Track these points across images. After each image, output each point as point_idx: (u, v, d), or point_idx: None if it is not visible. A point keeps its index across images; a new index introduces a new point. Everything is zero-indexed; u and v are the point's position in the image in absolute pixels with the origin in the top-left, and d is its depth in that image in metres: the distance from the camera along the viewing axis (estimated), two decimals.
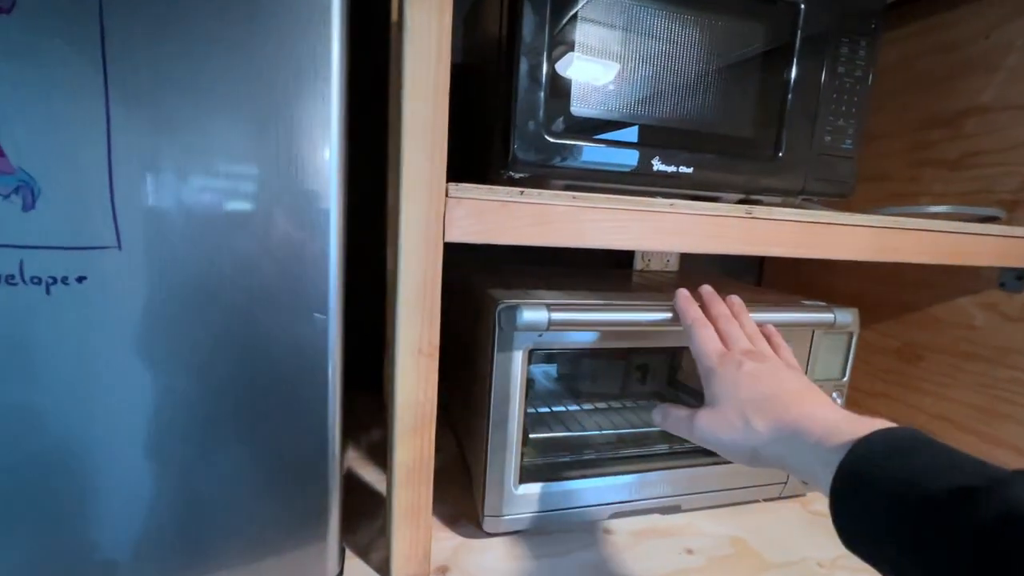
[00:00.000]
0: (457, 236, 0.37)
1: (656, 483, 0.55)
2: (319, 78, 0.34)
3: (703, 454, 0.57)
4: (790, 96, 0.49)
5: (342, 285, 0.37)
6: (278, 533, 0.39)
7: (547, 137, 0.44)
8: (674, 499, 0.56)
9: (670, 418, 0.41)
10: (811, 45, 0.49)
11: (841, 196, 0.54)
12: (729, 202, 0.51)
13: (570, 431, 0.60)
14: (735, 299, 0.46)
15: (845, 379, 0.58)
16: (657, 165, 0.47)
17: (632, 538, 0.52)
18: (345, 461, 0.63)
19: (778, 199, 0.54)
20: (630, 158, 0.46)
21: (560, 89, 0.44)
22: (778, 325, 0.49)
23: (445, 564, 0.47)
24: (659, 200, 0.42)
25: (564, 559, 0.49)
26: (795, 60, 0.49)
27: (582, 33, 0.44)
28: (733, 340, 0.41)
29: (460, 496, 0.56)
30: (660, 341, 0.52)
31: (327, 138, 0.35)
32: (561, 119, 0.44)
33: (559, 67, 0.43)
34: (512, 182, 0.46)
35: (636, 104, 0.46)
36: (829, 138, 0.51)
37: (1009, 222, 0.60)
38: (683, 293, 0.45)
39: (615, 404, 0.68)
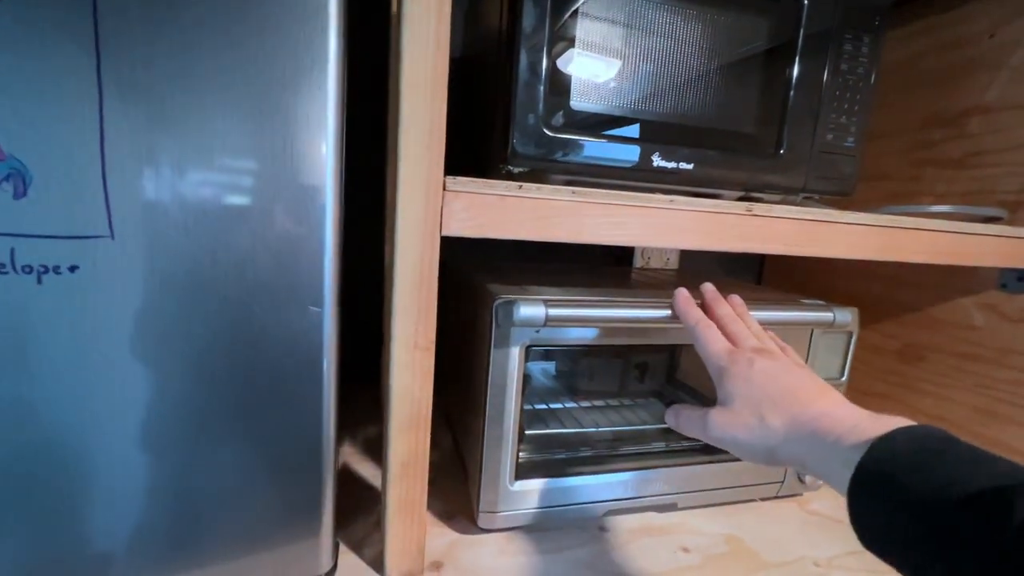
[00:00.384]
0: (455, 230, 0.37)
1: (652, 481, 0.55)
2: (316, 70, 0.33)
3: (700, 452, 0.57)
4: (792, 93, 0.49)
5: (338, 278, 0.37)
6: (271, 527, 0.39)
7: (547, 131, 0.43)
8: (670, 497, 0.56)
9: (682, 419, 0.40)
10: (814, 42, 0.48)
11: (842, 194, 0.53)
12: (730, 199, 0.51)
13: (567, 428, 0.60)
14: (736, 299, 0.45)
15: (844, 379, 0.57)
16: (657, 161, 0.46)
17: (628, 536, 0.52)
18: (341, 455, 0.63)
19: (779, 197, 0.53)
20: (630, 153, 0.46)
21: (560, 83, 0.43)
22: (777, 324, 0.48)
23: (439, 560, 0.46)
24: (658, 196, 0.41)
25: (559, 556, 0.48)
26: (798, 57, 0.48)
27: (583, 27, 0.43)
28: (742, 339, 0.40)
29: (456, 492, 0.55)
30: (659, 338, 0.52)
31: (324, 131, 0.34)
32: (561, 113, 0.44)
33: (559, 61, 0.43)
34: (512, 176, 0.45)
35: (637, 99, 0.46)
36: (831, 136, 0.51)
37: (1011, 222, 0.60)
38: (682, 294, 0.44)
39: (612, 402, 0.68)
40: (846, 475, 0.28)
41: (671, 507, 0.56)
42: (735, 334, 0.40)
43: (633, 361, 0.71)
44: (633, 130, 0.46)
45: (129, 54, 0.30)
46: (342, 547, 0.47)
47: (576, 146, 0.44)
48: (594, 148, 0.45)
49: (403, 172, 0.35)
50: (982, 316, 0.65)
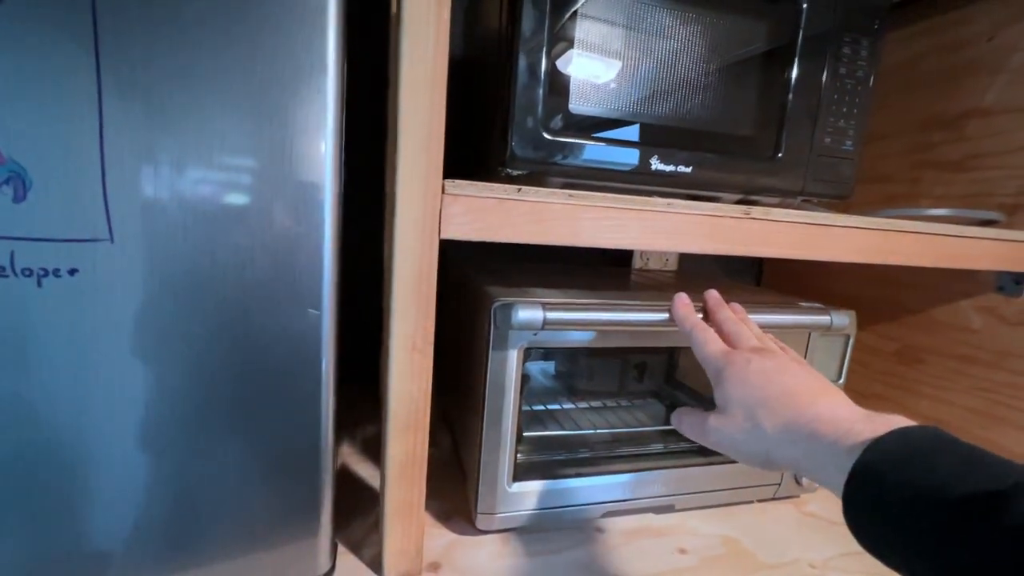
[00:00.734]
0: (453, 233, 0.37)
1: (650, 482, 0.55)
2: (315, 70, 0.33)
3: (697, 454, 0.57)
4: (791, 96, 0.49)
5: (337, 280, 0.37)
6: (269, 527, 0.39)
7: (545, 134, 0.44)
8: (668, 499, 0.56)
9: (685, 423, 0.40)
10: (813, 45, 0.49)
11: (840, 198, 0.53)
12: (728, 202, 0.51)
13: (566, 429, 0.60)
14: (736, 306, 0.45)
15: (841, 381, 0.58)
16: (656, 164, 0.47)
17: (625, 537, 0.52)
18: (340, 456, 0.63)
19: (777, 200, 0.53)
20: (629, 157, 0.46)
21: (559, 86, 0.43)
22: (774, 327, 0.49)
23: (437, 561, 0.47)
24: (656, 199, 0.41)
25: (557, 557, 0.49)
26: (796, 60, 0.48)
27: (582, 30, 0.43)
28: (740, 339, 0.39)
29: (454, 492, 0.56)
30: (657, 341, 0.52)
31: (323, 132, 0.34)
32: (559, 116, 0.44)
33: (558, 64, 0.43)
34: (511, 179, 0.45)
35: (635, 102, 0.46)
36: (829, 139, 0.51)
37: (1009, 226, 0.60)
38: (681, 299, 0.44)
39: (610, 403, 0.68)
40: (841, 479, 0.28)
41: (668, 508, 0.57)
42: (734, 335, 0.40)
43: (632, 361, 0.71)
44: (631, 133, 0.46)
45: (128, 54, 0.30)
46: (341, 548, 0.47)
47: (574, 149, 0.45)
48: (592, 151, 0.45)
49: (402, 175, 0.35)
50: (980, 319, 0.66)
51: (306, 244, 0.35)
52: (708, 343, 0.39)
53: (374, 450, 0.65)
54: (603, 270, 0.80)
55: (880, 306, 0.78)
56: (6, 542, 0.34)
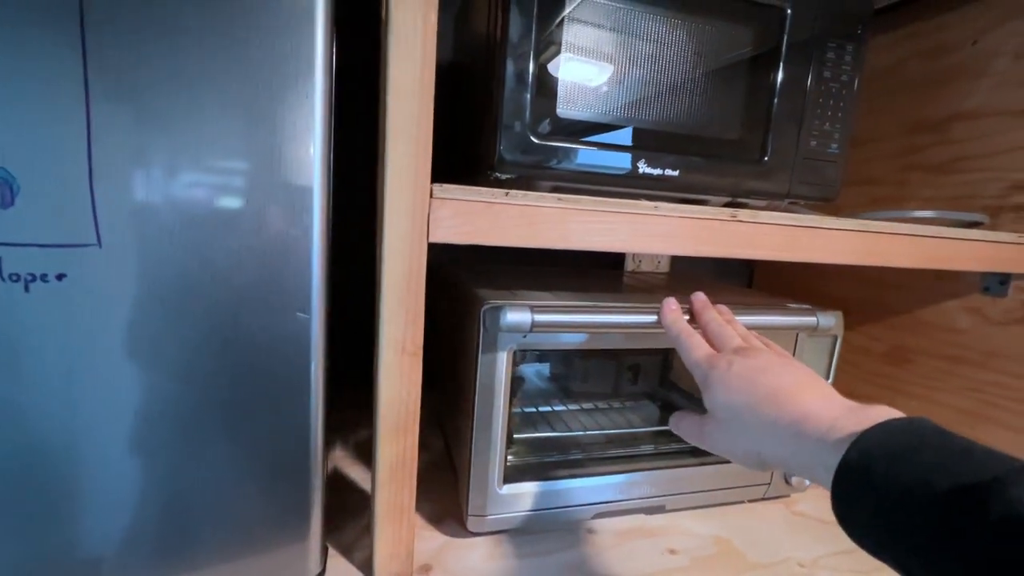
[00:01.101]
0: (442, 237, 0.37)
1: (641, 483, 0.55)
2: (303, 75, 0.34)
3: (688, 455, 0.58)
4: (776, 100, 0.50)
5: (326, 284, 0.37)
6: (259, 531, 0.39)
7: (533, 139, 0.44)
8: (659, 499, 0.56)
9: (683, 427, 0.40)
10: (798, 50, 0.49)
11: (825, 200, 0.54)
12: (716, 205, 0.52)
13: (559, 431, 0.60)
14: (723, 308, 0.46)
15: (829, 381, 0.58)
16: (643, 168, 0.47)
17: (616, 538, 0.52)
18: (331, 459, 0.63)
19: (764, 202, 0.54)
20: (617, 160, 0.47)
21: (547, 91, 0.44)
22: (762, 328, 0.49)
23: (428, 563, 0.47)
24: (644, 203, 0.42)
25: (548, 559, 0.49)
26: (782, 64, 0.49)
27: (569, 35, 0.44)
28: (725, 341, 0.39)
29: (446, 495, 0.56)
30: (648, 343, 0.52)
31: (312, 135, 0.35)
32: (547, 121, 0.44)
33: (545, 69, 0.43)
34: (499, 183, 0.46)
35: (622, 107, 0.47)
36: (815, 142, 0.51)
37: (993, 227, 0.61)
38: (669, 305, 0.44)
39: (602, 404, 0.69)
40: (829, 476, 0.28)
41: (659, 509, 0.57)
42: (718, 336, 0.40)
43: (626, 363, 0.71)
44: (619, 137, 0.47)
45: (116, 62, 0.30)
46: (332, 551, 0.47)
47: (563, 153, 0.45)
48: (580, 155, 0.45)
49: (390, 179, 0.35)
50: (967, 319, 0.66)
51: (295, 248, 0.36)
52: (693, 349, 0.39)
53: (367, 452, 0.65)
54: (595, 272, 0.80)
55: (869, 307, 0.79)
56: None
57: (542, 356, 0.71)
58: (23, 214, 0.30)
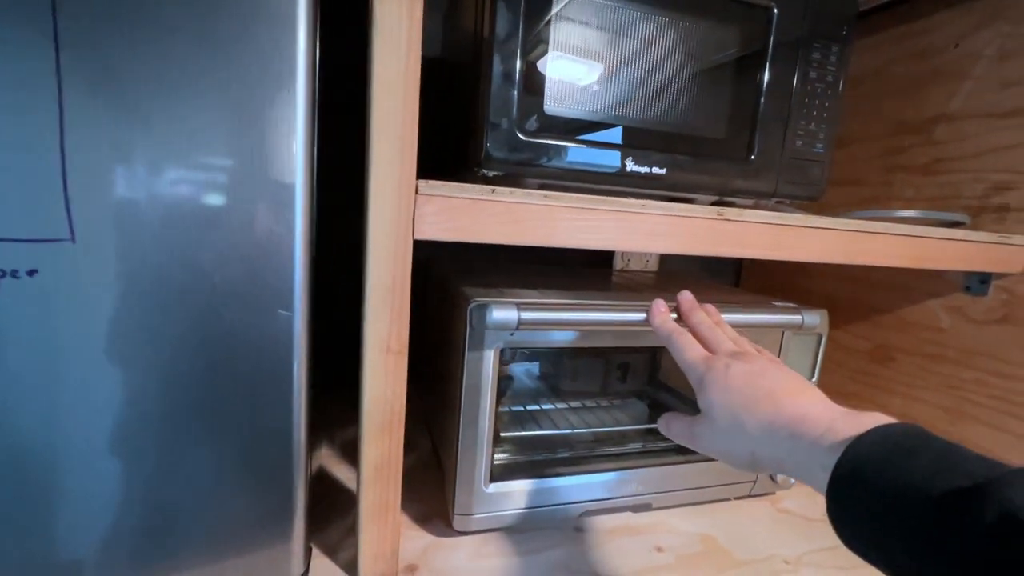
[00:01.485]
0: (427, 234, 0.37)
1: (628, 481, 0.55)
2: (284, 71, 0.33)
3: (675, 453, 0.58)
4: (763, 100, 0.50)
5: (309, 282, 0.37)
6: (242, 533, 0.39)
7: (520, 136, 0.44)
8: (645, 497, 0.56)
9: (673, 429, 0.40)
10: (784, 50, 0.50)
11: (811, 199, 0.54)
12: (703, 204, 0.52)
13: (547, 430, 0.60)
14: (711, 308, 0.46)
15: (814, 379, 0.59)
16: (630, 166, 0.47)
17: (603, 536, 0.53)
18: (316, 459, 0.63)
19: (751, 201, 0.54)
20: (604, 158, 0.46)
21: (533, 88, 0.44)
22: (748, 326, 0.49)
23: (414, 563, 0.46)
24: (631, 200, 0.42)
25: (535, 557, 0.49)
26: (768, 64, 0.49)
27: (557, 33, 0.44)
28: (718, 343, 0.40)
29: (432, 495, 0.55)
30: (637, 341, 0.52)
31: (294, 133, 0.34)
32: (534, 118, 0.44)
33: (533, 66, 0.43)
34: (486, 180, 0.45)
35: (610, 104, 0.46)
36: (800, 142, 0.52)
37: (973, 227, 0.62)
38: (657, 305, 0.44)
39: (590, 403, 0.69)
40: (824, 477, 0.28)
41: (646, 507, 0.57)
42: (711, 340, 0.40)
43: (615, 362, 0.71)
44: (606, 135, 0.46)
45: (90, 54, 0.29)
46: (316, 551, 0.46)
47: (549, 150, 0.45)
48: (568, 152, 0.45)
49: (375, 175, 0.35)
50: (949, 318, 0.67)
51: (277, 245, 0.35)
52: (687, 350, 0.39)
53: (353, 452, 0.65)
54: (583, 271, 0.80)
55: (854, 306, 0.80)
56: None
57: (532, 355, 0.70)
58: None
